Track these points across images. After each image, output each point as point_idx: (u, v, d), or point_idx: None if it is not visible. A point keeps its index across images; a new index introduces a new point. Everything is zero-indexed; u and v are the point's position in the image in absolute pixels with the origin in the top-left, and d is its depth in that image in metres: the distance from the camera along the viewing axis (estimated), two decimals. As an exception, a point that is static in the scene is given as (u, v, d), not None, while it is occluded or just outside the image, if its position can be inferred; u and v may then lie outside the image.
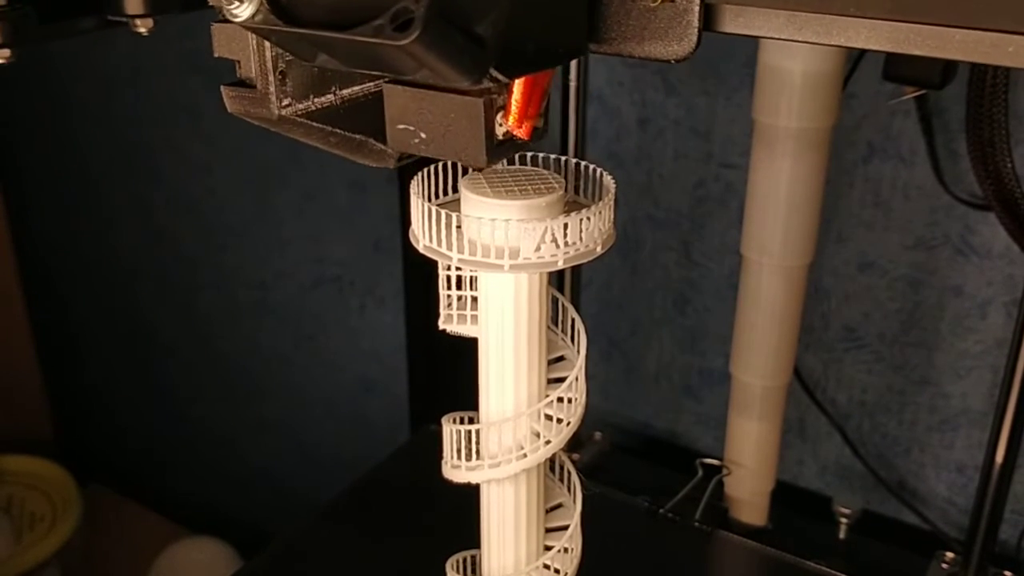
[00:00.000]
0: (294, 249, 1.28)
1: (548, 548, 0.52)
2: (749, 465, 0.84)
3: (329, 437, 1.37)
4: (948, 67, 0.67)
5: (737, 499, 0.86)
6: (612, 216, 0.44)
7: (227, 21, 0.37)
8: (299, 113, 0.39)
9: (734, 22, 0.35)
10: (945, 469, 0.90)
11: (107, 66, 1.33)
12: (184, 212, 1.36)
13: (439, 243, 0.43)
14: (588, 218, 0.42)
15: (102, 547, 1.48)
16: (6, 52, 0.50)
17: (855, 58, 0.79)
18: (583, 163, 0.46)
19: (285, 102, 0.39)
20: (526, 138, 0.38)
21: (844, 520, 0.87)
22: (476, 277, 0.47)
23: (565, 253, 0.42)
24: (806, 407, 0.94)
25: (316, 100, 0.40)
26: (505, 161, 0.45)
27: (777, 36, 0.34)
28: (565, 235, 0.42)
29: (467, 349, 0.49)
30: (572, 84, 0.79)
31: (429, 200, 0.44)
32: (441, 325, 0.48)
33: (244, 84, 0.39)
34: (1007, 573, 0.75)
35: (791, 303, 0.77)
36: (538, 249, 0.42)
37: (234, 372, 1.43)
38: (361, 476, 0.89)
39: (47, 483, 1.44)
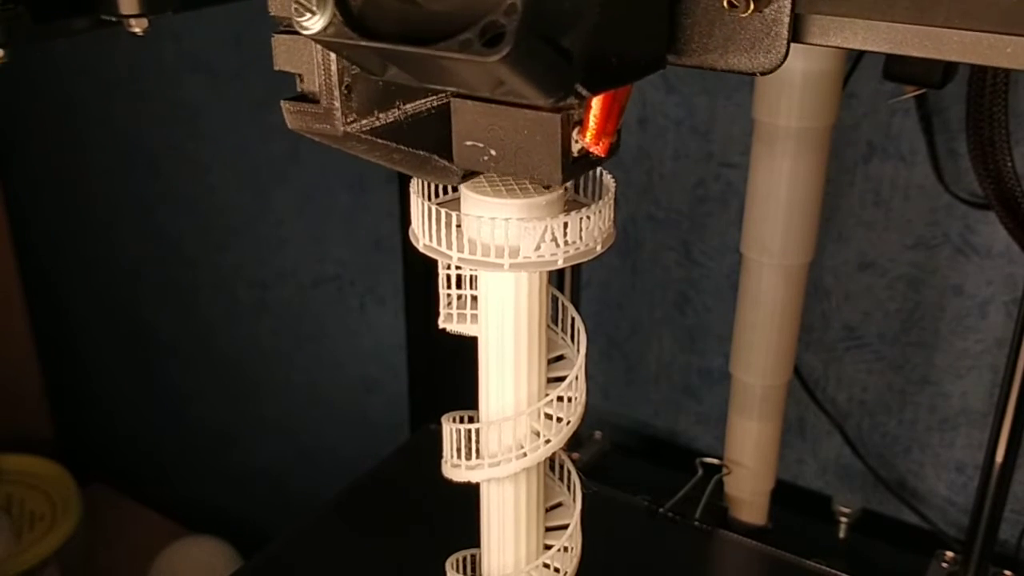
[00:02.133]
0: (294, 249, 1.28)
1: (548, 547, 0.52)
2: (749, 464, 0.84)
3: (329, 436, 1.37)
4: (948, 66, 0.67)
5: (737, 498, 0.86)
6: (612, 215, 0.44)
7: (288, 32, 0.35)
8: (364, 129, 0.37)
9: (823, 33, 0.34)
10: (945, 469, 0.90)
11: (107, 66, 1.33)
12: (184, 212, 1.36)
13: (439, 242, 0.43)
14: (588, 217, 0.42)
15: (102, 546, 1.48)
16: None
17: (855, 57, 0.79)
18: (583, 162, 0.45)
19: (350, 118, 0.37)
20: (603, 155, 0.37)
21: (844, 519, 0.87)
22: (476, 276, 0.47)
23: (565, 252, 0.42)
24: (806, 406, 0.94)
25: (381, 115, 0.38)
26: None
27: (865, 48, 0.33)
28: (565, 234, 0.42)
29: (467, 348, 0.49)
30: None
31: (429, 199, 0.44)
32: (441, 324, 0.48)
33: (306, 98, 0.37)
34: (1007, 573, 0.75)
35: (791, 302, 0.77)
36: (538, 248, 0.42)
37: (234, 371, 1.43)
38: (361, 475, 0.89)
39: (47, 482, 1.44)
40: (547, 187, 0.42)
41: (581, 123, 0.36)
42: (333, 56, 0.36)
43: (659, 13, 0.34)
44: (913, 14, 0.32)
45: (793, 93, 0.69)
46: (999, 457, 0.70)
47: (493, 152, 0.36)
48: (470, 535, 0.53)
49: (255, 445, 1.47)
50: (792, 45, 0.70)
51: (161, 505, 1.58)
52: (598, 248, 0.43)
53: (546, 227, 0.42)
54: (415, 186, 0.44)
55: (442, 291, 0.48)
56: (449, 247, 0.43)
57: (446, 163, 0.38)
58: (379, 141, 0.38)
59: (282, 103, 0.38)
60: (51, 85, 1.40)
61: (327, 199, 1.20)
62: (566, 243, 0.42)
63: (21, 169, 1.52)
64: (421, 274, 1.02)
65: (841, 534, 0.87)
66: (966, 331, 0.84)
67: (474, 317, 0.47)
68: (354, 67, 0.36)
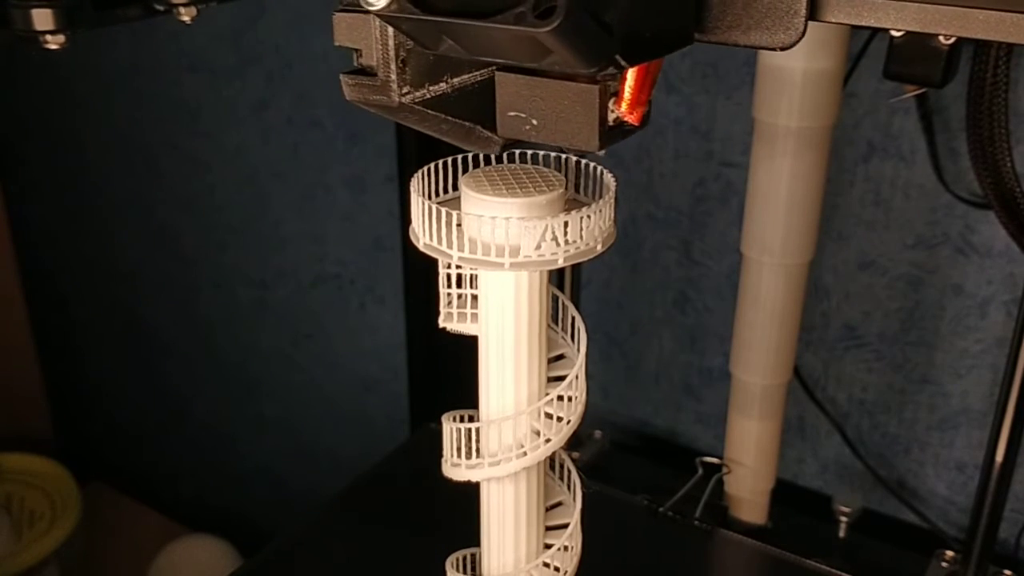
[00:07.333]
0: (294, 248, 1.28)
1: (548, 546, 0.52)
2: (749, 464, 0.84)
3: (329, 435, 1.37)
4: (949, 65, 0.67)
5: (737, 498, 0.86)
6: (612, 214, 0.44)
7: (349, 10, 0.38)
8: (416, 101, 0.40)
9: (838, 10, 0.36)
10: (945, 468, 0.90)
11: (107, 65, 1.33)
12: (184, 210, 1.36)
13: (439, 241, 0.43)
14: (588, 216, 0.42)
15: (102, 545, 1.48)
16: (60, 38, 0.51)
17: (855, 57, 0.79)
18: (583, 161, 0.46)
19: (404, 90, 0.39)
20: (636, 124, 0.39)
21: (844, 519, 0.87)
22: (476, 275, 0.47)
23: (565, 251, 0.42)
24: (806, 406, 0.94)
25: (431, 88, 0.40)
26: (506, 159, 0.46)
27: (879, 26, 0.35)
28: (565, 233, 0.42)
29: (467, 347, 0.49)
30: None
31: (429, 198, 0.44)
32: (441, 323, 0.48)
33: (364, 72, 0.40)
34: (1007, 572, 0.75)
35: (791, 302, 0.77)
36: (538, 247, 0.42)
37: (234, 371, 1.43)
38: (361, 474, 0.89)
39: (47, 481, 1.44)
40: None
41: (617, 94, 0.38)
42: (391, 32, 0.38)
43: None
44: None
45: (793, 93, 0.69)
46: (999, 456, 0.70)
47: (535, 122, 0.39)
48: (470, 534, 0.53)
49: (255, 444, 1.47)
50: (801, 33, 0.69)
51: (161, 504, 1.58)
52: (598, 247, 0.43)
53: (546, 226, 0.42)
54: (415, 185, 0.44)
55: (442, 290, 0.48)
56: (449, 246, 0.43)
57: (489, 133, 0.41)
58: (429, 112, 0.40)
59: (341, 76, 0.40)
60: (51, 83, 1.40)
61: (327, 199, 1.20)
62: (566, 242, 0.42)
63: (21, 168, 1.52)
64: (421, 273, 1.02)
65: (841, 533, 0.87)
66: (966, 331, 0.84)
67: (474, 316, 0.47)
68: (408, 42, 0.39)
